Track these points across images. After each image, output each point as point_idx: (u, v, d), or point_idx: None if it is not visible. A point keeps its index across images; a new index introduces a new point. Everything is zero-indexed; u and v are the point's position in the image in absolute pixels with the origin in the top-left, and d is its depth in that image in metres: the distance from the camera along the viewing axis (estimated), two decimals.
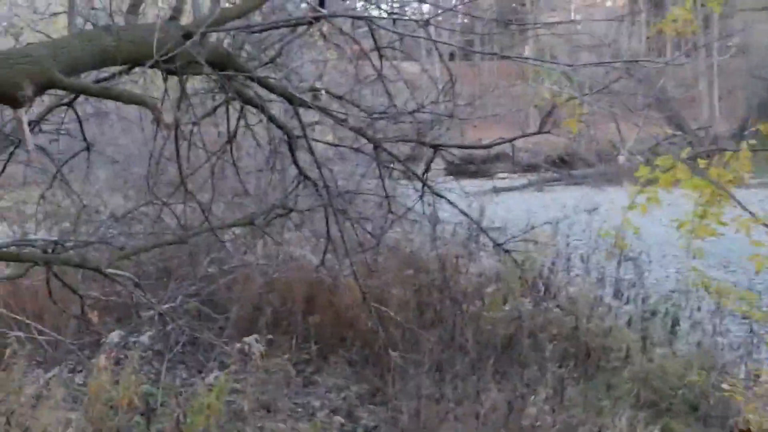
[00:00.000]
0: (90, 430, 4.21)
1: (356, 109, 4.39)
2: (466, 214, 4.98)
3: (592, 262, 9.38)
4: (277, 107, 4.86)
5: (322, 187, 4.31)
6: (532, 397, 5.28)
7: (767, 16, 27.20)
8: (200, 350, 6.28)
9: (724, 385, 5.64)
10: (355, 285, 5.81)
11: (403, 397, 5.31)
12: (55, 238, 4.08)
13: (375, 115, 4.32)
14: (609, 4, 39.37)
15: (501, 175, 26.18)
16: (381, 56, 4.30)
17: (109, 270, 3.96)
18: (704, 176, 4.46)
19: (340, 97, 4.39)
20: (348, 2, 8.33)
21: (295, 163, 4.30)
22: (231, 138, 4.24)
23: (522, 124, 22.56)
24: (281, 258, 6.88)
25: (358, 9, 6.60)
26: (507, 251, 4.66)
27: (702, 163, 4.61)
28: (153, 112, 2.65)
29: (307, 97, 4.08)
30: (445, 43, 4.71)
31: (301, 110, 4.13)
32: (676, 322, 7.41)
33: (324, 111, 4.15)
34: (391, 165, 4.70)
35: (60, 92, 3.65)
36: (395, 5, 4.96)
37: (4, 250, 3.72)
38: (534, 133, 4.23)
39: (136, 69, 3.32)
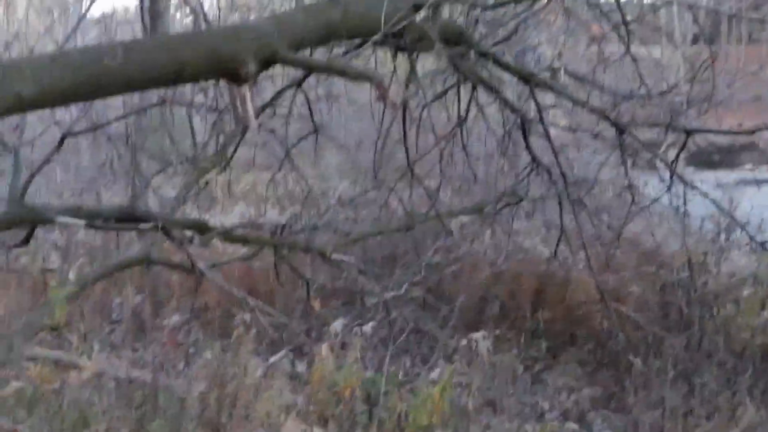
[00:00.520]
0: (314, 418, 4.20)
1: (597, 91, 4.05)
2: (722, 209, 4.59)
3: None
4: (509, 90, 4.64)
5: (557, 174, 4.07)
6: None
7: None
8: (424, 340, 6.19)
9: None
10: (590, 280, 5.54)
11: (645, 407, 4.89)
12: (283, 222, 4.13)
13: (621, 97, 3.94)
14: None
15: (747, 166, 24.11)
16: (628, 32, 3.89)
17: (334, 255, 3.93)
18: None
19: (581, 79, 4.08)
20: None
21: (528, 148, 4.05)
22: (462, 121, 4.04)
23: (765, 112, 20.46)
24: (510, 249, 6.63)
25: None
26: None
27: None
28: (378, 89, 2.47)
29: (545, 77, 3.81)
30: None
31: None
32: None
33: (563, 93, 3.83)
34: (636, 152, 4.35)
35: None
36: None
37: (235, 232, 3.77)
38: None
39: (364, 47, 3.18)
